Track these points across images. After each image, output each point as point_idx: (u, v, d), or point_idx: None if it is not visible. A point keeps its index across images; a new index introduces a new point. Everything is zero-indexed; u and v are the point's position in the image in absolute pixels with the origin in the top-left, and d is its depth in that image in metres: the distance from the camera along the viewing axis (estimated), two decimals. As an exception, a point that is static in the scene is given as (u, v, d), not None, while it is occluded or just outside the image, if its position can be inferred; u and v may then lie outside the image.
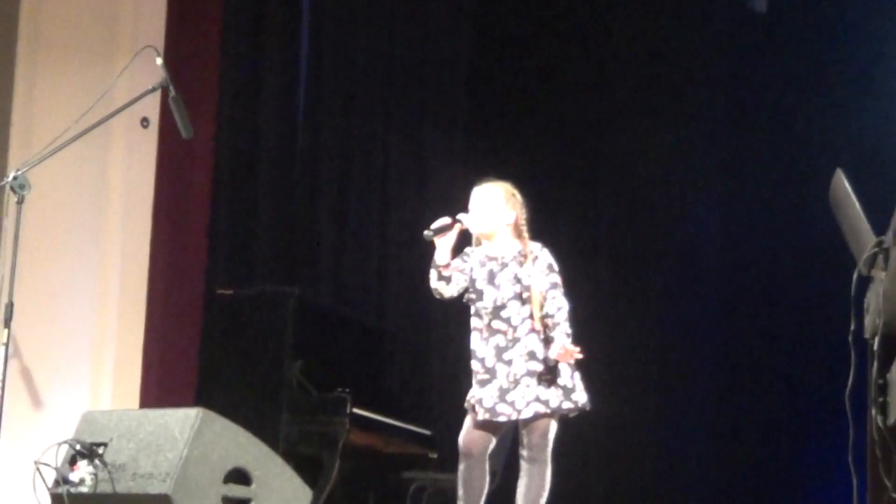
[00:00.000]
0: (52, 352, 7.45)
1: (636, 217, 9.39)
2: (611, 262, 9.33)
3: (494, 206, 5.63)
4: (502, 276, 5.55)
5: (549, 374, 5.45)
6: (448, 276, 5.56)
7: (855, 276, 3.95)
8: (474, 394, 5.52)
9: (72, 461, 5.42)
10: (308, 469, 6.74)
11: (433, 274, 5.58)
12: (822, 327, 8.31)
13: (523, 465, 5.51)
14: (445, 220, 5.58)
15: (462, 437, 5.57)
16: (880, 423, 3.86)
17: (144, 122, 7.17)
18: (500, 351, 5.48)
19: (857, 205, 3.96)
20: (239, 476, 5.39)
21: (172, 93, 5.59)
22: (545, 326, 5.51)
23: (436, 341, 9.24)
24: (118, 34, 7.68)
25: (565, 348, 5.40)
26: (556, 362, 5.45)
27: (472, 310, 5.61)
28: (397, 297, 9.13)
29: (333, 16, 8.96)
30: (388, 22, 9.27)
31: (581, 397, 5.50)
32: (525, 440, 5.49)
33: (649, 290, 9.36)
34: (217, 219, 8.09)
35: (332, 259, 8.80)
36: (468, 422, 5.58)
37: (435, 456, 8.05)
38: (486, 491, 5.55)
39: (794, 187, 8.68)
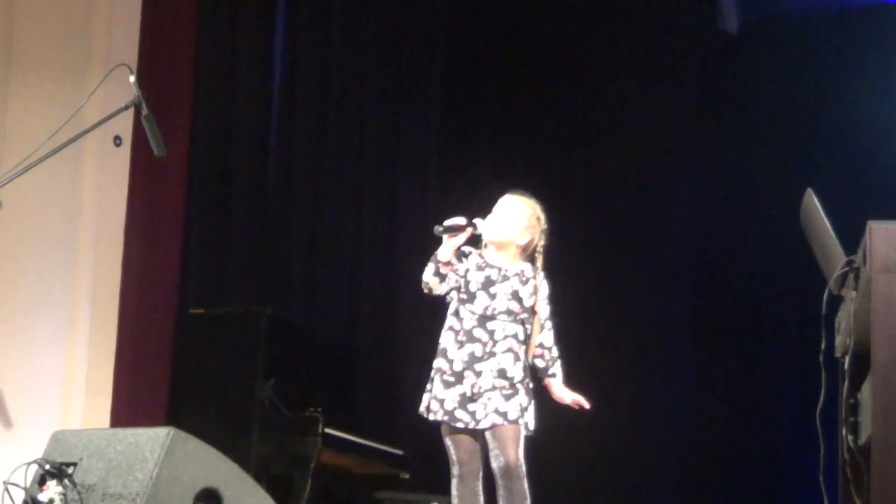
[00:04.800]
0: (23, 370, 7.42)
1: (609, 215, 9.40)
2: (582, 264, 9.28)
3: (515, 222, 5.58)
4: (500, 288, 5.50)
5: (510, 390, 5.40)
6: (444, 274, 5.49)
7: (825, 295, 3.96)
8: (436, 393, 5.44)
9: (41, 481, 5.38)
10: (280, 489, 6.73)
11: (430, 268, 5.50)
12: (793, 347, 8.36)
13: (500, 481, 5.37)
14: (460, 221, 5.50)
15: (456, 454, 5.46)
16: (851, 443, 3.87)
17: (117, 140, 7.15)
18: (473, 359, 5.41)
19: (828, 224, 3.98)
20: (210, 496, 5.35)
21: (145, 111, 5.56)
22: (536, 355, 5.51)
23: (408, 361, 9.23)
24: (91, 51, 7.67)
25: (578, 399, 5.54)
26: (520, 380, 5.43)
27: (453, 308, 5.54)
28: (369, 317, 9.12)
29: (308, 35, 8.97)
30: (362, 38, 9.29)
31: (531, 421, 5.45)
32: (498, 455, 5.37)
33: (622, 296, 9.36)
34: (189, 238, 8.08)
35: (305, 279, 8.80)
36: (447, 433, 5.47)
37: (407, 476, 8.04)
38: None
39: (767, 206, 8.71)
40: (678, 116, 9.48)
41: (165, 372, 7.77)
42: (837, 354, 4.18)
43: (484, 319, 5.48)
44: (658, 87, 9.49)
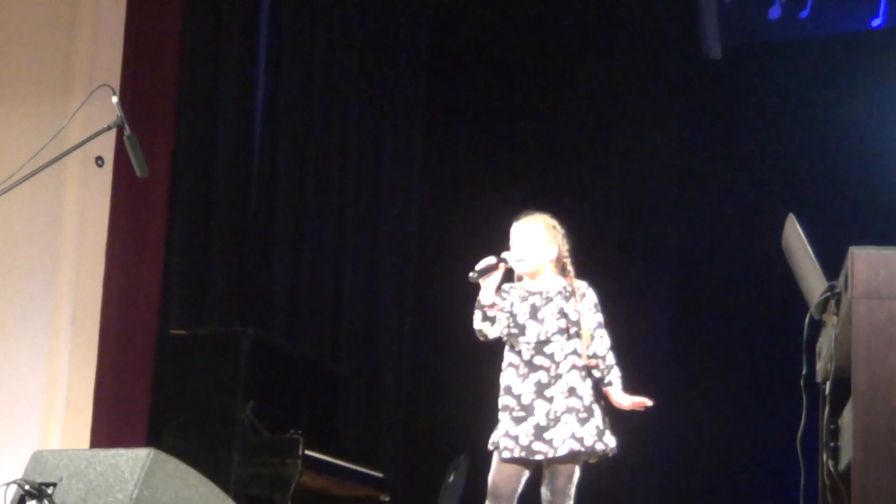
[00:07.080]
0: (3, 390, 7.40)
1: (591, 236, 9.39)
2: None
3: (537, 242, 5.57)
4: (546, 311, 5.50)
5: (585, 413, 5.40)
6: (493, 317, 5.48)
7: (807, 320, 3.97)
8: (507, 430, 5.42)
9: (21, 501, 5.36)
10: (260, 511, 6.70)
11: (477, 315, 5.49)
12: (774, 372, 8.36)
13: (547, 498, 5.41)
14: (490, 260, 5.49)
15: (492, 477, 5.46)
16: (832, 468, 3.87)
17: (99, 160, 7.12)
18: (541, 387, 5.41)
19: (810, 250, 3.99)
20: (190, 517, 5.34)
21: (128, 131, 5.55)
22: (591, 366, 5.48)
23: (389, 384, 9.22)
24: (74, 72, 7.66)
25: (640, 401, 5.51)
26: (592, 401, 5.44)
27: (508, 346, 5.54)
28: (351, 338, 9.11)
29: (291, 55, 8.98)
30: (345, 57, 9.30)
31: (611, 441, 5.47)
32: (550, 484, 5.41)
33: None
34: (171, 259, 8.07)
35: (287, 300, 8.79)
36: (497, 460, 5.47)
37: (387, 499, 8.02)
38: None
39: (749, 230, 8.73)
40: (662, 139, 9.51)
41: (146, 392, 7.74)
42: (818, 379, 4.18)
43: (540, 345, 5.47)
44: (642, 110, 9.52)
